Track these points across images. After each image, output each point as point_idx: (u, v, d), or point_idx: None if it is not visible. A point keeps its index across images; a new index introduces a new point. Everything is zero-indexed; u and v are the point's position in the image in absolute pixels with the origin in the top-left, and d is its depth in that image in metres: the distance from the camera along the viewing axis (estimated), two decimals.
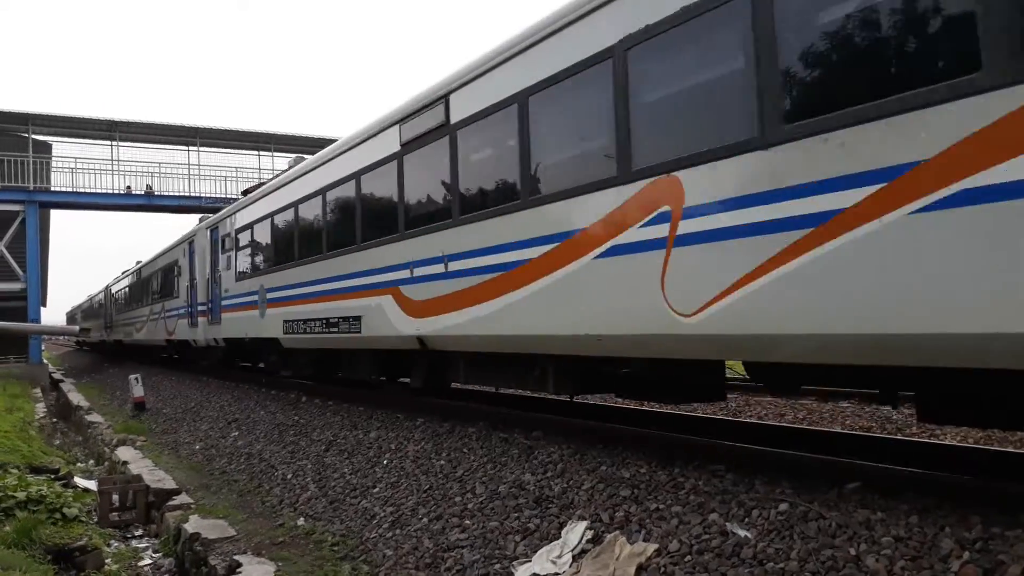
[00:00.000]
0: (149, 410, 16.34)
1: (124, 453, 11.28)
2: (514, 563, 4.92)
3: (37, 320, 29.42)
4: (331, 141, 21.72)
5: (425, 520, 6.07)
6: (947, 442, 7.31)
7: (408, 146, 8.76)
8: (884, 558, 3.71)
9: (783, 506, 4.49)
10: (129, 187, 29.87)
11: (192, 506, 8.06)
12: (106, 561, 7.68)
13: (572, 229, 6.12)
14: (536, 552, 4.96)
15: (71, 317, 60.17)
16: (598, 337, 5.89)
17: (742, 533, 4.33)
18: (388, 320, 9.03)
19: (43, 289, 34.10)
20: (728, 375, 7.11)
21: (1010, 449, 6.78)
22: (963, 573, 3.46)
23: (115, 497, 9.13)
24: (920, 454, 5.79)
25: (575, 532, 4.99)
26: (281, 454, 9.63)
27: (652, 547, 4.48)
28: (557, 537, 5.05)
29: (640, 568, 4.33)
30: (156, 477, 9.39)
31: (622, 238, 5.57)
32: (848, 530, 4.04)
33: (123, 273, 33.27)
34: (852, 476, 4.81)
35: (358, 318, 9.84)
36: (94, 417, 16.61)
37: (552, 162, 6.59)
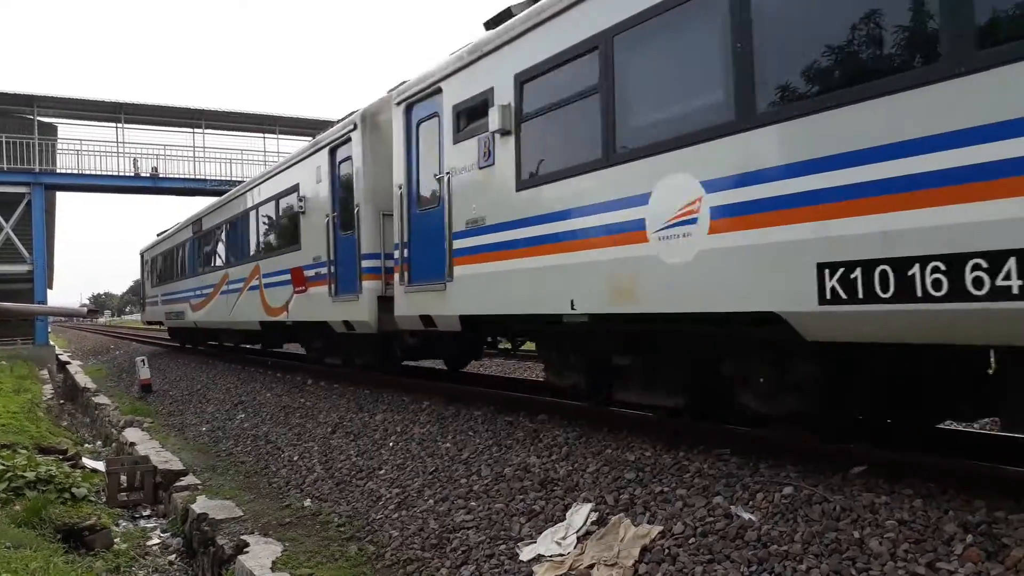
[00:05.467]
0: (156, 392, 16.43)
1: (131, 434, 11.37)
2: (519, 544, 4.95)
3: (44, 302, 29.53)
4: (332, 123, 21.99)
5: (431, 501, 6.11)
6: (952, 428, 7.31)
7: (195, 234, 19.99)
8: (888, 541, 3.73)
9: (787, 489, 4.51)
10: (137, 162, 29.90)
11: (199, 487, 8.12)
12: (115, 540, 7.76)
13: (215, 283, 17.44)
14: (541, 533, 5.00)
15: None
16: (231, 322, 16.48)
17: (746, 516, 4.36)
18: (189, 315, 20.50)
19: (50, 271, 34.20)
20: None
21: (1017, 435, 6.76)
22: (966, 556, 3.48)
23: (123, 478, 9.20)
24: (926, 439, 5.80)
25: (580, 514, 5.02)
26: (287, 436, 9.69)
27: (656, 529, 4.51)
28: (562, 519, 5.09)
29: (644, 550, 4.37)
30: (163, 458, 9.46)
31: (228, 287, 16.54)
32: (852, 513, 4.06)
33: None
34: (857, 460, 4.82)
35: (182, 312, 21.36)
36: (101, 399, 16.73)
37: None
